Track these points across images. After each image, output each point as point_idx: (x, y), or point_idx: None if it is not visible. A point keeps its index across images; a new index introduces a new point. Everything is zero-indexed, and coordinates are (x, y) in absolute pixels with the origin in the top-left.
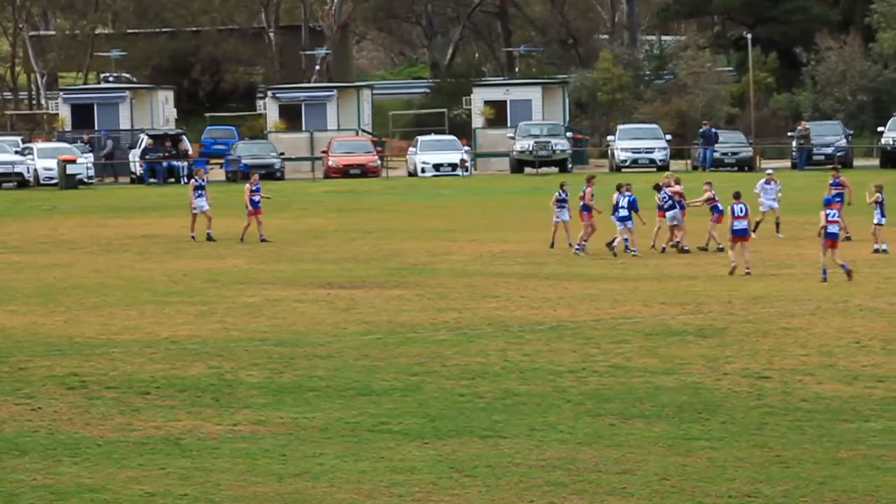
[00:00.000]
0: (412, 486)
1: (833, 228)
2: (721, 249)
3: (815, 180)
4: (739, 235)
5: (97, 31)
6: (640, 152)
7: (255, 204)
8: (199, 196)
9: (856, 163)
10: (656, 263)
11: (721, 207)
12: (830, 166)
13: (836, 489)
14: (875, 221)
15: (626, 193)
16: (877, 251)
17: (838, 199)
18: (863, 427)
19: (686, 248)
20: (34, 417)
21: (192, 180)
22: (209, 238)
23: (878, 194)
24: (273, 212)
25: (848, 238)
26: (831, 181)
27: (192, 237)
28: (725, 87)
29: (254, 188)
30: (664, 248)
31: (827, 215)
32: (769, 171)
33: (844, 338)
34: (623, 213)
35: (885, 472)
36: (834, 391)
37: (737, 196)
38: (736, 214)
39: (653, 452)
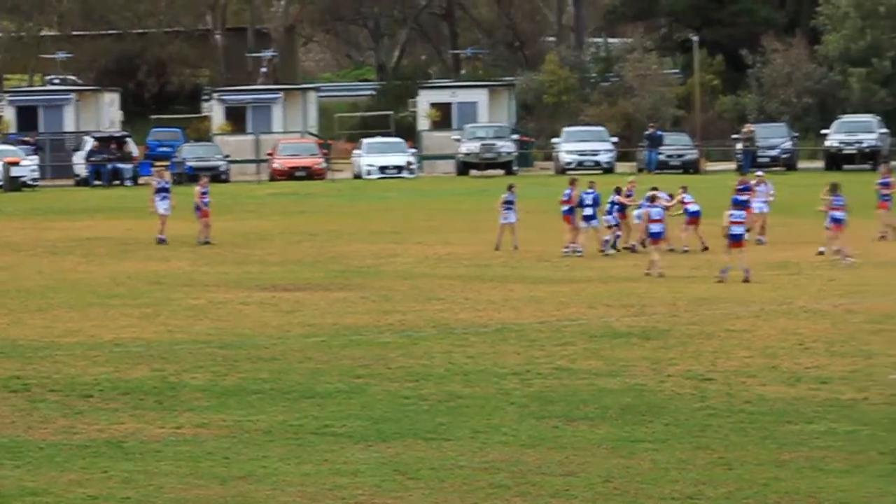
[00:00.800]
0: (356, 489)
1: (737, 230)
2: (686, 251)
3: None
4: (655, 238)
5: (42, 33)
6: (585, 154)
7: (205, 206)
8: (164, 199)
9: (800, 165)
10: (601, 265)
11: (693, 209)
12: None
13: (778, 491)
14: (826, 225)
15: (591, 191)
16: (821, 252)
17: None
18: (806, 429)
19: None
20: None
21: (154, 182)
22: (160, 242)
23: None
24: (218, 214)
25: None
26: (741, 186)
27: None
28: (671, 90)
29: (203, 191)
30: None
31: (730, 216)
32: (759, 173)
33: (788, 340)
34: (588, 211)
35: (827, 474)
36: (777, 393)
37: (653, 199)
38: (653, 217)
39: (596, 454)
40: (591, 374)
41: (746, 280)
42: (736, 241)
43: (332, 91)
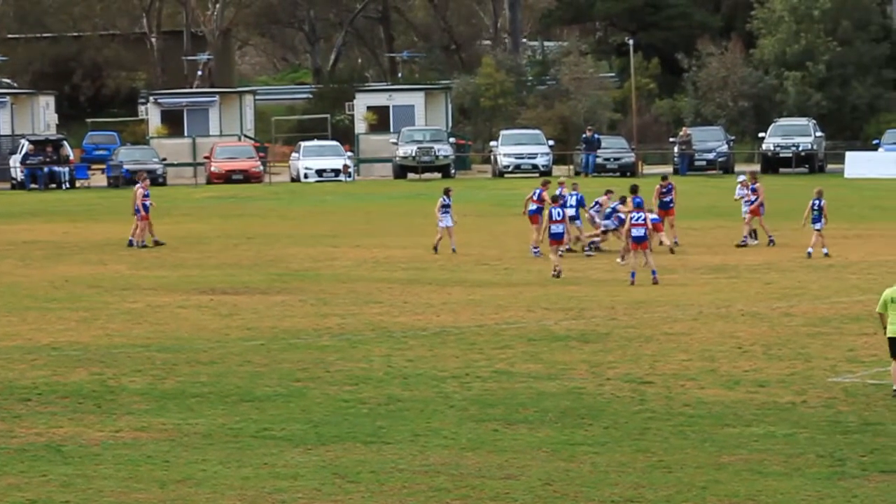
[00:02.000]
0: (295, 493)
1: (638, 231)
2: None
3: (697, 186)
4: (556, 239)
5: None
6: (522, 158)
7: (146, 208)
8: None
9: (737, 168)
10: (539, 269)
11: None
12: (661, 175)
13: (718, 494)
14: (816, 227)
15: (574, 192)
16: (809, 255)
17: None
18: (744, 432)
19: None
20: None
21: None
22: (146, 244)
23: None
24: (155, 217)
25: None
26: (665, 188)
27: (135, 243)
28: (608, 93)
29: (145, 193)
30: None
31: (632, 218)
32: (741, 178)
33: (726, 343)
34: (572, 212)
35: (766, 477)
36: (716, 396)
37: (555, 199)
38: (553, 219)
39: (536, 458)
40: (531, 377)
41: (633, 283)
42: (637, 242)
43: (269, 94)
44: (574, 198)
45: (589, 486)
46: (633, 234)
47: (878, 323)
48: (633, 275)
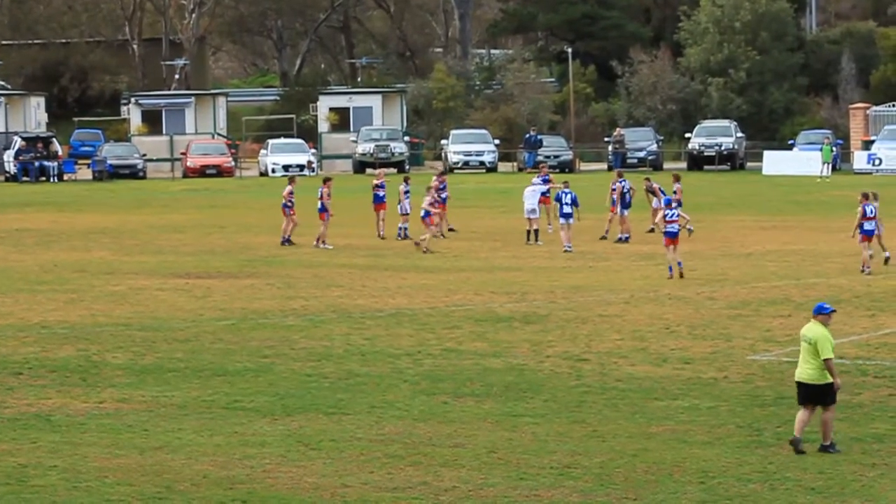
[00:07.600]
0: (263, 459)
1: (672, 228)
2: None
3: (629, 182)
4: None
5: None
6: (470, 155)
7: None
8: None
9: (665, 165)
10: (486, 256)
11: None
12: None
13: (647, 461)
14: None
15: (567, 190)
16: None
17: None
18: (671, 405)
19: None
20: None
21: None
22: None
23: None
24: (135, 208)
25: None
26: (542, 180)
27: None
28: (548, 97)
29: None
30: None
31: (666, 216)
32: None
33: (655, 324)
34: (567, 209)
35: (690, 445)
36: (645, 372)
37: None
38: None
39: (482, 428)
40: (477, 354)
41: (671, 277)
42: (671, 237)
43: (240, 96)
44: (568, 195)
45: (530, 453)
46: (666, 231)
47: (793, 307)
48: (671, 269)
